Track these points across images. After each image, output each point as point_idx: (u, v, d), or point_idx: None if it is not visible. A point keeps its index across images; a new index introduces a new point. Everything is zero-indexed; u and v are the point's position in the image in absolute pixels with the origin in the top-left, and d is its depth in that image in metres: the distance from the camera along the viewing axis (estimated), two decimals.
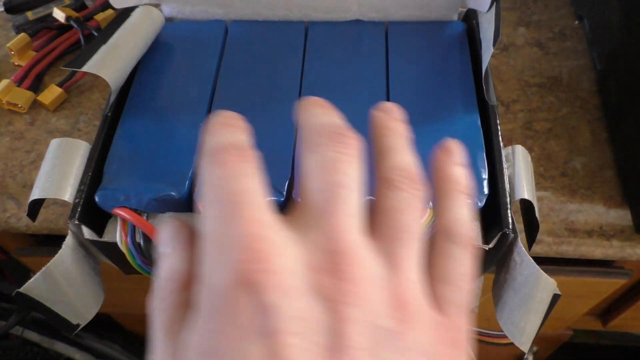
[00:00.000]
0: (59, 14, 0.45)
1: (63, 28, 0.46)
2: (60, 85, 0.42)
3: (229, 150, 0.17)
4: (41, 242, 0.48)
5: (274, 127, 0.30)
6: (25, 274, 0.50)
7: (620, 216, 0.35)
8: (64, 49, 0.45)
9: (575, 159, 0.37)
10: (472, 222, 0.19)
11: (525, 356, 0.71)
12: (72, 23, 0.45)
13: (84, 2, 0.48)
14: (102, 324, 0.68)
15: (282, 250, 0.15)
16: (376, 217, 0.18)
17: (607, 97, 0.40)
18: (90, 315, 0.29)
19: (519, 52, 0.44)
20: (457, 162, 0.21)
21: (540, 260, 0.42)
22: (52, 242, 0.47)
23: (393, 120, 0.21)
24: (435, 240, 0.19)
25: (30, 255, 0.48)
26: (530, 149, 0.38)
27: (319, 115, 0.19)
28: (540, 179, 0.36)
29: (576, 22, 0.46)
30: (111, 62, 0.31)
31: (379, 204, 0.18)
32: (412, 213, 0.18)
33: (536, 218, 0.27)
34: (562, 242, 0.35)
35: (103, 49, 0.31)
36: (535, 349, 0.69)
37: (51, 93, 0.42)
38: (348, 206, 0.17)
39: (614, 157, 0.38)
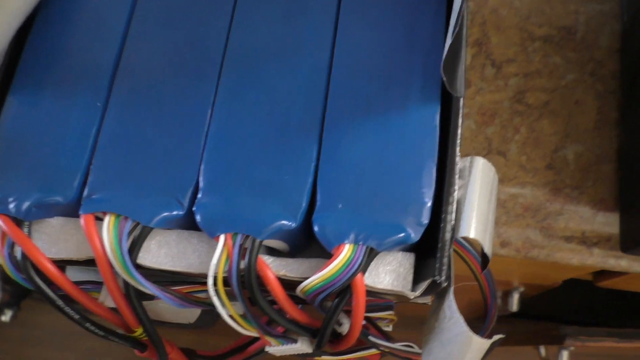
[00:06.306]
0: None
1: None
2: None
3: None
4: None
5: (183, 112, 0.25)
6: None
7: (610, 222, 0.30)
8: None
9: (568, 147, 0.31)
10: None
11: (512, 294, 0.69)
12: None
13: None
14: None
15: None
16: None
17: (628, 59, 0.32)
18: None
19: None
20: None
21: None
22: None
23: None
24: None
25: None
26: (516, 130, 0.31)
27: None
28: (520, 172, 0.30)
29: None
30: None
31: None
32: None
33: (486, 254, 0.22)
34: (534, 247, 0.30)
35: None
36: (521, 289, 0.67)
37: None
38: None
39: (618, 146, 0.31)
